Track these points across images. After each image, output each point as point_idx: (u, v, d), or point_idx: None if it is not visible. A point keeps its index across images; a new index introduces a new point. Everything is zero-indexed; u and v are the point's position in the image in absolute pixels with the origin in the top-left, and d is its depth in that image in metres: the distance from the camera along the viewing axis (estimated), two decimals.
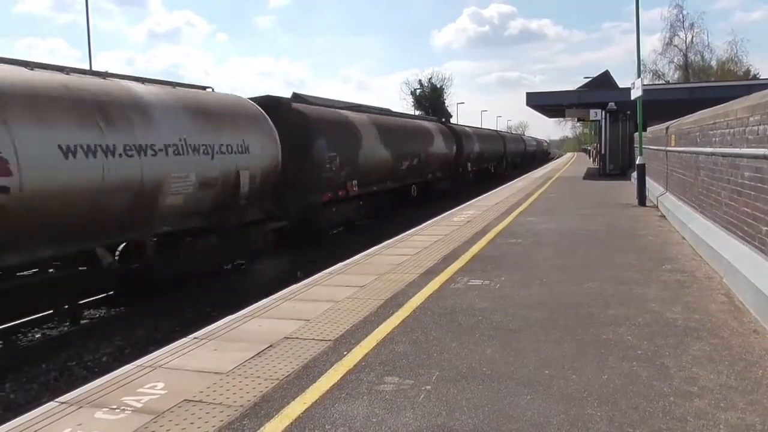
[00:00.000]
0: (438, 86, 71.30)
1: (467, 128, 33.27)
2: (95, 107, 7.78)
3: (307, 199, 13.03)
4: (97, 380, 4.34)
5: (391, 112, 23.87)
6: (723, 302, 5.73)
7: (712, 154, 8.10)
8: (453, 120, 56.87)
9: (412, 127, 21.87)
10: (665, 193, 13.58)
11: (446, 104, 71.12)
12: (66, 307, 8.30)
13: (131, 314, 8.74)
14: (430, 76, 72.04)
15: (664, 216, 12.24)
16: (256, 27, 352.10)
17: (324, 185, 13.59)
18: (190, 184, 9.20)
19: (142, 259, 8.84)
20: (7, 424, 3.70)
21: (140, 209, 8.34)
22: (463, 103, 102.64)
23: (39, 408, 3.88)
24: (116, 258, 8.72)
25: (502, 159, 40.50)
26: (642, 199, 14.63)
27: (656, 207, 13.88)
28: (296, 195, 12.56)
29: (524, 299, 6.04)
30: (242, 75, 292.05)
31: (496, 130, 51.28)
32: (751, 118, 6.10)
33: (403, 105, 70.22)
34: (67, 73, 8.07)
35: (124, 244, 8.87)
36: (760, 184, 5.75)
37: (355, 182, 15.11)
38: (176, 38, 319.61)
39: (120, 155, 7.90)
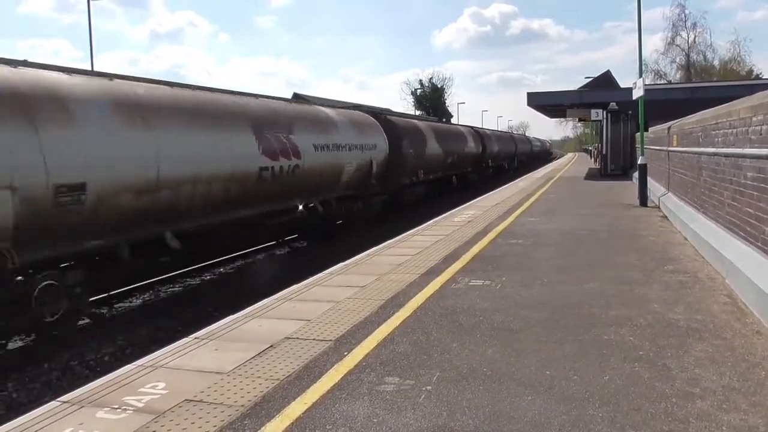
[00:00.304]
0: (439, 86, 71.35)
1: (488, 131, 40.19)
2: (320, 123, 14.10)
3: (398, 181, 18.51)
4: (99, 380, 4.34)
5: (427, 118, 32.28)
6: (725, 303, 5.72)
7: (715, 154, 8.08)
8: (453, 120, 56.98)
9: (454, 131, 29.36)
10: (667, 194, 13.56)
11: (447, 104, 71.19)
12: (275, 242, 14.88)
13: (133, 313, 8.75)
14: (430, 76, 72.21)
15: (666, 216, 12.22)
16: (258, 27, 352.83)
17: (407, 172, 19.41)
18: (351, 168, 15.07)
19: (330, 211, 14.40)
20: (10, 423, 3.70)
21: (334, 182, 14.49)
22: (463, 103, 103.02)
23: (41, 407, 3.89)
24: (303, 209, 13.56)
25: (514, 157, 46.85)
26: (644, 200, 14.61)
27: (658, 207, 13.86)
28: (392, 178, 17.93)
29: (525, 299, 6.03)
30: (243, 75, 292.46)
31: (509, 133, 58.81)
32: (754, 118, 6.09)
33: (404, 105, 70.39)
34: (290, 102, 14.81)
35: (319, 201, 13.98)
36: (762, 185, 5.73)
37: (421, 171, 20.92)
38: (178, 38, 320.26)
39: (330, 149, 13.87)
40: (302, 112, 13.84)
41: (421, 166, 20.72)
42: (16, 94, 6.78)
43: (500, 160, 39.49)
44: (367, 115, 17.88)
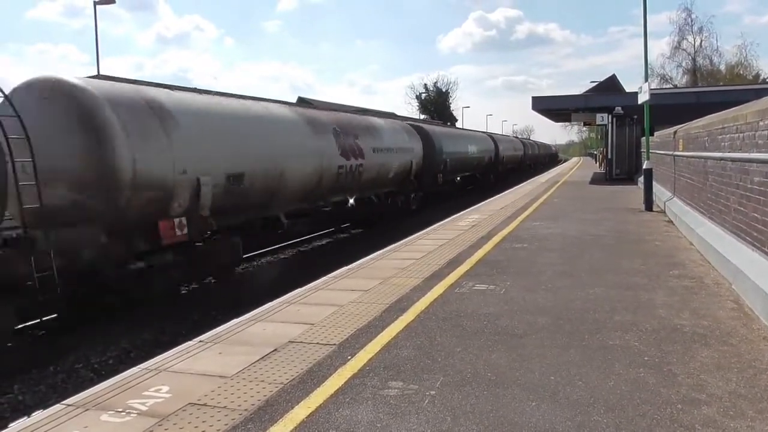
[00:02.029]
0: (443, 90, 71.42)
1: (501, 136, 46.29)
2: (375, 130, 17.21)
3: (431, 180, 21.88)
4: (104, 383, 4.35)
5: (455, 127, 38.63)
6: (732, 309, 5.69)
7: (721, 158, 8.05)
8: (458, 124, 57.14)
9: (480, 137, 35.28)
10: (672, 198, 13.52)
11: (451, 108, 71.25)
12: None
13: (137, 317, 8.77)
14: (435, 81, 72.37)
15: (672, 221, 12.17)
16: (263, 31, 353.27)
17: (438, 172, 22.60)
18: (393, 167, 17.95)
19: (377, 204, 17.83)
20: (15, 424, 3.72)
21: (384, 179, 17.48)
22: (468, 107, 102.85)
23: (46, 410, 3.91)
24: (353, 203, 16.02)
25: (523, 161, 50.95)
26: (649, 204, 14.56)
27: (663, 212, 13.81)
28: (426, 177, 21.05)
29: (530, 304, 6.02)
30: (249, 79, 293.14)
31: (520, 138, 63.02)
32: (761, 123, 6.07)
33: (408, 109, 70.43)
34: (353, 113, 18.70)
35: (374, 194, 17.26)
36: None
37: (449, 172, 24.49)
38: (185, 43, 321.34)
39: (382, 152, 16.83)
40: (363, 121, 17.34)
41: (449, 168, 24.37)
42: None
43: (511, 163, 43.14)
44: (405, 123, 21.74)
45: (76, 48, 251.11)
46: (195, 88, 11.16)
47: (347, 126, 15.30)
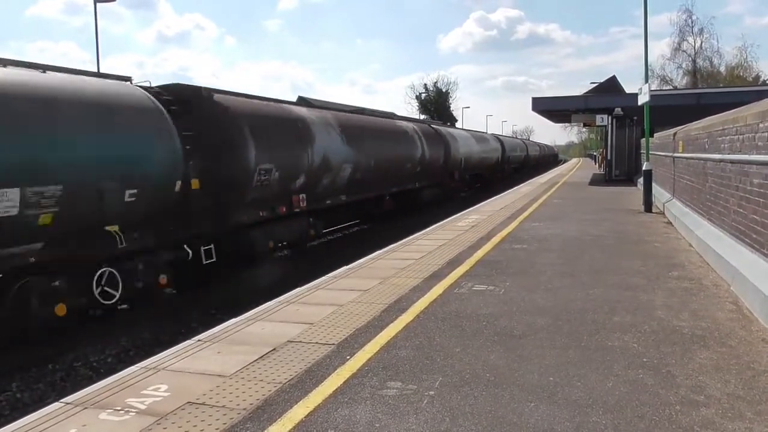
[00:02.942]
0: (443, 90, 71.35)
1: (507, 138, 49.57)
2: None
3: (448, 176, 24.96)
4: (102, 381, 4.35)
5: (468, 129, 39.09)
6: (731, 310, 5.69)
7: (721, 160, 8.05)
8: (458, 125, 57.21)
9: (488, 138, 37.86)
10: (672, 200, 13.52)
11: (451, 109, 71.20)
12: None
13: (137, 316, 8.76)
14: (435, 80, 72.22)
15: (671, 222, 12.18)
16: (264, 30, 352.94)
17: (454, 170, 25.63)
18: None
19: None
20: (14, 423, 3.71)
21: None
22: (468, 107, 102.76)
23: (45, 408, 3.91)
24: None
25: (526, 161, 53.60)
26: (648, 206, 14.56)
27: (663, 213, 13.81)
28: (444, 174, 24.24)
29: (529, 305, 6.02)
30: (249, 78, 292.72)
31: (522, 140, 65.70)
32: (761, 125, 6.07)
33: (408, 109, 70.39)
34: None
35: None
36: None
37: (464, 170, 27.44)
38: (185, 42, 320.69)
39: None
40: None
41: (464, 166, 27.33)
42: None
43: (515, 163, 45.75)
44: (426, 125, 24.55)
45: (76, 46, 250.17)
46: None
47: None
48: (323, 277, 7.67)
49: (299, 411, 3.68)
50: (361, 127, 16.47)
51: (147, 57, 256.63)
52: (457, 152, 25.57)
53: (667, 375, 4.12)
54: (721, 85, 44.94)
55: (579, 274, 7.44)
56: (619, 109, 26.11)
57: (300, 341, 5.01)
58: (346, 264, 8.56)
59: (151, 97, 8.99)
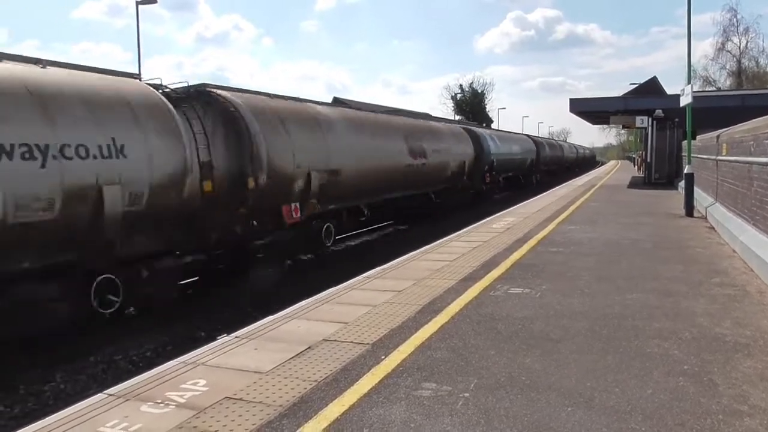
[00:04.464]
0: (479, 91, 70.86)
1: (541, 139, 49.19)
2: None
3: (480, 179, 24.59)
4: (143, 375, 4.47)
5: (500, 130, 39.68)
6: None
7: (767, 164, 7.80)
8: (494, 126, 56.91)
9: (522, 139, 37.98)
10: (714, 204, 13.15)
11: (487, 110, 70.65)
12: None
13: (173, 312, 8.96)
14: (471, 81, 71.80)
15: (713, 227, 11.84)
16: (301, 31, 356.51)
17: (486, 171, 25.31)
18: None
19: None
20: (61, 412, 3.85)
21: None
22: (504, 108, 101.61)
23: (88, 399, 4.03)
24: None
25: (562, 162, 53.98)
26: (689, 210, 14.19)
27: (704, 218, 13.44)
28: (477, 176, 24.01)
29: (566, 309, 5.94)
30: (285, 78, 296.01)
31: (558, 141, 66.59)
32: None
33: (443, 110, 70.13)
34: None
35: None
36: None
37: (496, 172, 26.95)
38: (224, 42, 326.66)
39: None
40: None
41: (497, 168, 27.10)
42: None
43: (551, 165, 45.32)
44: (458, 126, 24.87)
45: (118, 47, 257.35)
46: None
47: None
48: (357, 277, 7.71)
49: (334, 409, 3.71)
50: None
51: (186, 57, 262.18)
52: (490, 153, 25.51)
53: (709, 383, 4.02)
54: None
55: (617, 278, 7.30)
56: (660, 110, 25.49)
57: (335, 340, 5.06)
58: (380, 264, 8.58)
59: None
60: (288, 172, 11.12)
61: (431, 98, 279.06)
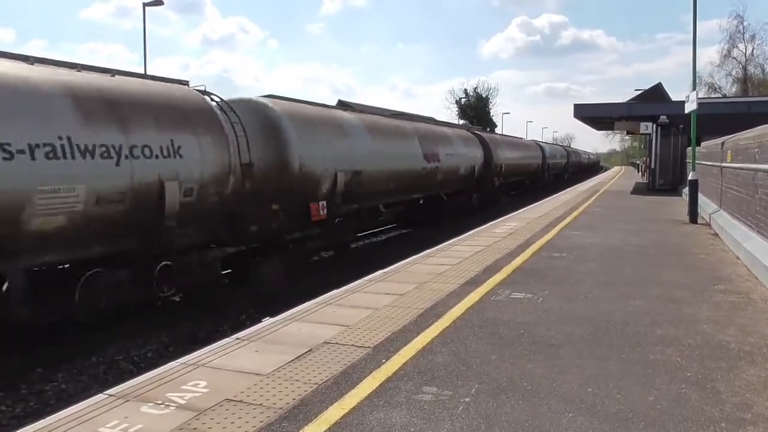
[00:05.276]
0: (484, 96, 70.90)
1: (548, 145, 50.32)
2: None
3: (489, 182, 25.14)
4: (144, 375, 4.46)
5: (507, 135, 40.02)
6: None
7: None
8: (498, 130, 56.99)
9: (529, 144, 39.30)
10: (719, 211, 13.10)
11: (491, 114, 70.69)
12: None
13: (175, 313, 8.97)
14: (476, 86, 71.84)
15: (717, 234, 11.80)
16: (307, 34, 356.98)
17: (495, 176, 25.85)
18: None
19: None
20: (61, 412, 3.84)
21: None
22: (508, 113, 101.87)
23: (89, 399, 4.03)
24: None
25: (566, 168, 54.82)
26: (693, 216, 14.15)
27: (708, 224, 13.40)
28: (486, 179, 24.39)
29: (568, 314, 5.91)
30: (290, 81, 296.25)
31: (563, 147, 67.54)
32: None
33: (447, 114, 70.18)
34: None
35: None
36: None
37: (504, 176, 27.79)
38: (230, 44, 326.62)
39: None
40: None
41: (504, 172, 27.84)
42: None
43: (556, 170, 46.18)
44: (468, 131, 25.28)
45: (124, 48, 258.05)
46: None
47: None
48: (359, 281, 7.70)
49: (334, 412, 3.70)
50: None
51: (192, 59, 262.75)
52: (497, 158, 25.90)
53: (712, 391, 3.99)
54: None
55: (620, 284, 7.28)
56: (665, 117, 25.44)
57: (336, 343, 5.05)
58: (383, 268, 8.57)
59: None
60: (317, 173, 12.00)
61: (436, 102, 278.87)
